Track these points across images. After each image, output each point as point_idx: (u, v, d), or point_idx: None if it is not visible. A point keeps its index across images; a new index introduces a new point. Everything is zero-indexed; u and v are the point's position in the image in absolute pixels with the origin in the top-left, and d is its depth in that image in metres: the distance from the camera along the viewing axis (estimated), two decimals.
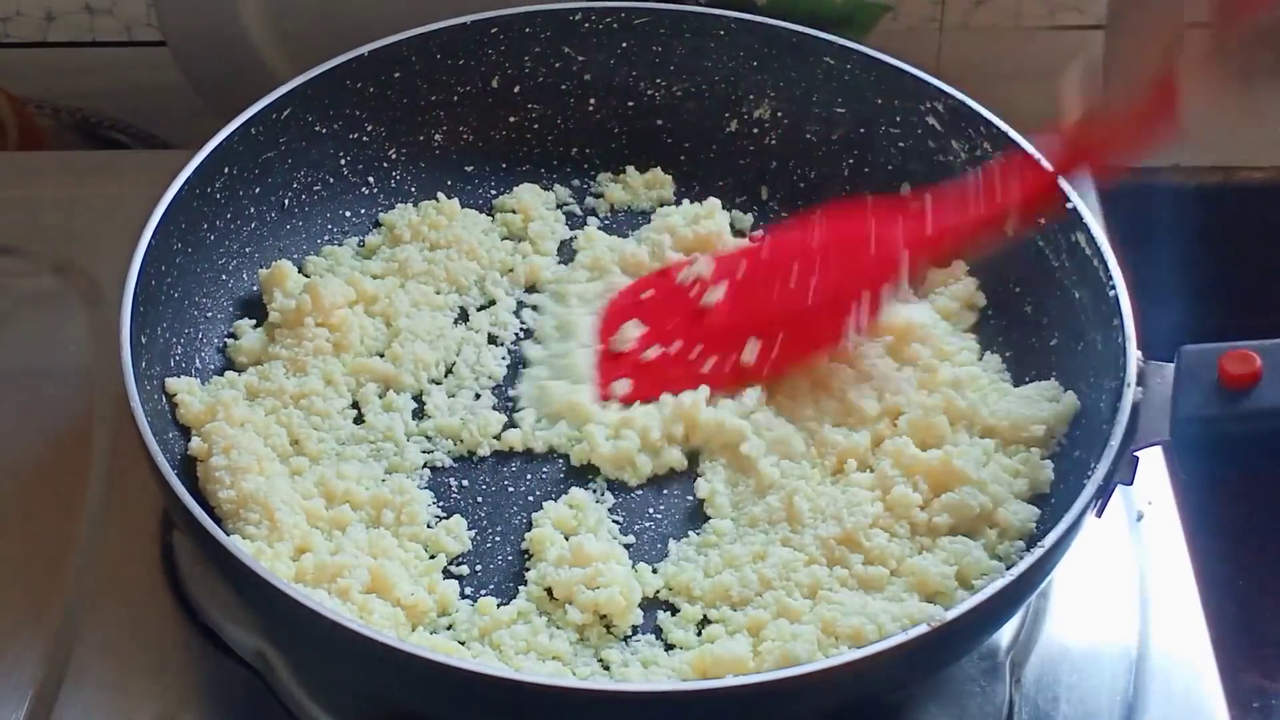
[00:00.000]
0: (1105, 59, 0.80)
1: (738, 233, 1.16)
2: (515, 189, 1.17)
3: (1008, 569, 0.89)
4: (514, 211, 1.16)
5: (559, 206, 1.18)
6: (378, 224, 1.15)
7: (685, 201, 1.17)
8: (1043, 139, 1.02)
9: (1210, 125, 0.83)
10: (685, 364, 1.05)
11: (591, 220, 1.17)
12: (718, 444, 1.02)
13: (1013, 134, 1.07)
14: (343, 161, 1.15)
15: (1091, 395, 0.99)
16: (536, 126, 1.20)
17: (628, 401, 1.04)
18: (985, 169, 1.05)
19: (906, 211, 1.04)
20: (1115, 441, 0.91)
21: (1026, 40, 1.34)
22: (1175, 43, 0.72)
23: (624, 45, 1.19)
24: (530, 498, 1.01)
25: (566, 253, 1.15)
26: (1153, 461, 1.03)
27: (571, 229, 1.16)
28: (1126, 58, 0.77)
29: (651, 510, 1.01)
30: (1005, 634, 0.97)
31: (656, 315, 1.08)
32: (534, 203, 1.17)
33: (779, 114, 1.19)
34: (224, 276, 1.08)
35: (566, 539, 0.97)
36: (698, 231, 1.14)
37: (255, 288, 1.10)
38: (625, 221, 1.18)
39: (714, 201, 1.16)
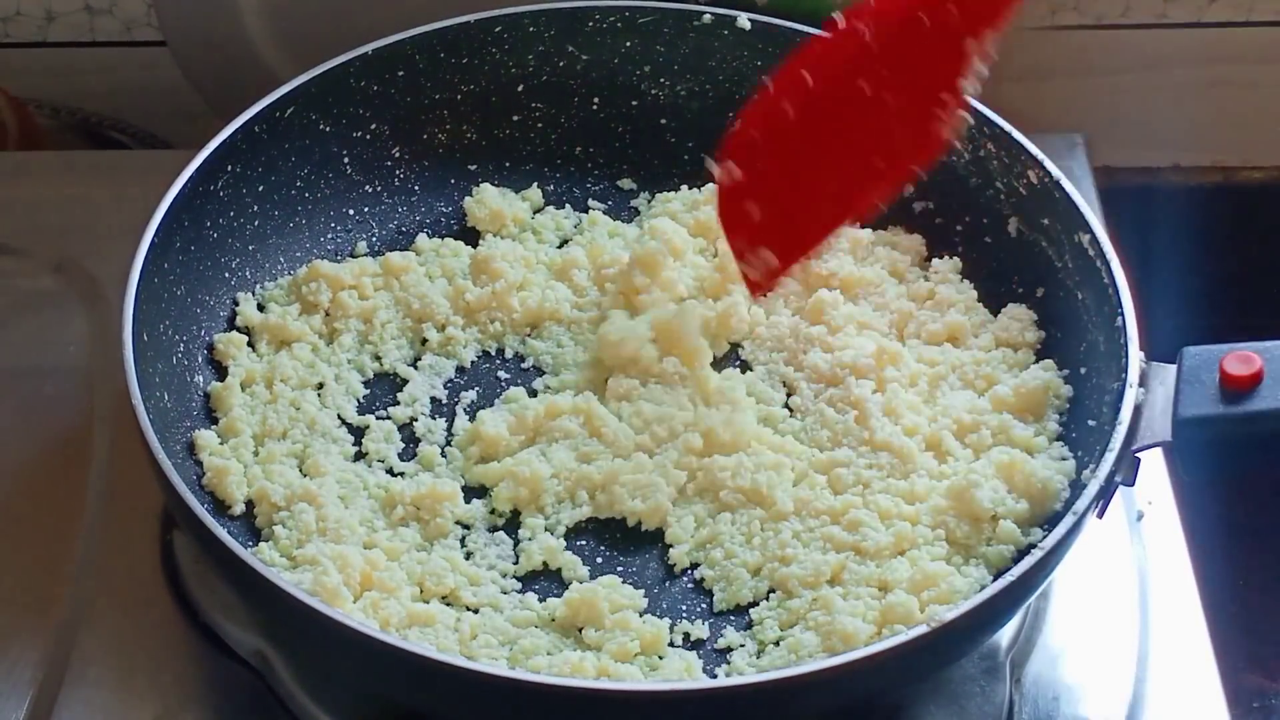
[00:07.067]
0: None
1: None
2: (523, 190, 1.18)
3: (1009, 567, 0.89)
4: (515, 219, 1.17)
5: (562, 205, 1.18)
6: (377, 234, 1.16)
7: (684, 188, 1.17)
8: None
9: None
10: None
11: (594, 211, 1.17)
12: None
13: (1015, 134, 1.07)
14: (346, 160, 1.15)
15: (1093, 396, 0.99)
16: (540, 125, 1.20)
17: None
18: None
19: None
20: (1117, 443, 0.92)
21: (1026, 40, 1.34)
22: None
23: (628, 44, 1.19)
24: None
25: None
26: (1153, 462, 1.03)
27: (574, 227, 1.17)
28: None
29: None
30: (1005, 634, 0.97)
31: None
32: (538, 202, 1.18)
33: None
34: (226, 274, 1.08)
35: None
36: (698, 218, 1.14)
37: (258, 286, 1.10)
38: (629, 219, 1.18)
39: (712, 186, 1.15)
